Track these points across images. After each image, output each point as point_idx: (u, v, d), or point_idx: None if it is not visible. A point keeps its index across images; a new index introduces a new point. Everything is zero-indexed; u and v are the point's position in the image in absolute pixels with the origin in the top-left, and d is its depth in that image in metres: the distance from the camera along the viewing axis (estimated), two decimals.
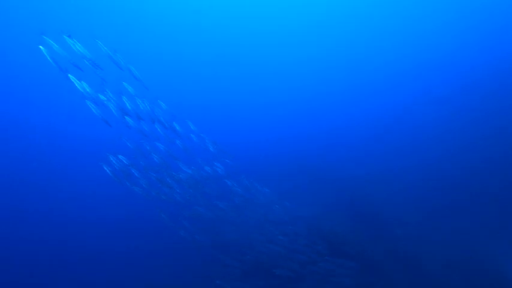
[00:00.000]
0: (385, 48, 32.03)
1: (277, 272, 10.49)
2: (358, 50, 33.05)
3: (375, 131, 20.59)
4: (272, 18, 34.19)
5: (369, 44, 32.92)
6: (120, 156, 9.08)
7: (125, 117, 7.83)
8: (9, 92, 31.43)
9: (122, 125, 7.70)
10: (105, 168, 8.49)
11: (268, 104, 33.18)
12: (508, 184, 12.02)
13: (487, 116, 15.63)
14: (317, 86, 33.61)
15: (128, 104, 7.67)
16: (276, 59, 35.75)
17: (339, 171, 16.05)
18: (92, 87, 6.79)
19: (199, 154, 9.98)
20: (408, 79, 27.76)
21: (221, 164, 10.25)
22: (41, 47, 5.51)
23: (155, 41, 36.11)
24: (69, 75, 6.27)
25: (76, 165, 25.75)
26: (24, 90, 31.67)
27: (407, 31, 30.87)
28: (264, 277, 11.56)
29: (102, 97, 7.08)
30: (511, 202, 11.28)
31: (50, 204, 23.23)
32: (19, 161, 27.37)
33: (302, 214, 13.23)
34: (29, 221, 22.21)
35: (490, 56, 21.91)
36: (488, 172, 12.79)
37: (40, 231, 21.14)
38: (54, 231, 20.57)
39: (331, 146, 20.74)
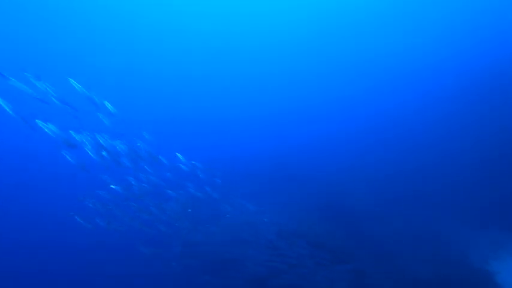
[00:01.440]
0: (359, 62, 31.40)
1: (275, 282, 10.43)
2: (336, 66, 32.54)
3: (351, 135, 20.92)
4: (257, 33, 33.02)
5: (347, 57, 32.37)
6: (101, 192, 8.19)
7: (102, 153, 6.88)
8: None
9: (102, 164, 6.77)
10: (77, 219, 7.66)
11: (246, 113, 32.10)
12: (477, 175, 13.08)
13: (456, 108, 16.81)
14: (290, 95, 33.17)
15: (104, 141, 6.73)
16: (256, 74, 34.68)
17: (312, 173, 16.23)
18: (66, 128, 5.79)
19: (186, 179, 9.32)
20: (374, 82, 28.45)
21: (209, 186, 9.73)
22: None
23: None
24: (37, 120, 5.22)
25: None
26: None
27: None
28: None
29: (77, 138, 6.10)
30: (481, 194, 12.40)
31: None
32: None
33: (282, 221, 13.16)
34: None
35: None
36: (460, 165, 13.83)
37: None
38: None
39: (304, 148, 20.92)
